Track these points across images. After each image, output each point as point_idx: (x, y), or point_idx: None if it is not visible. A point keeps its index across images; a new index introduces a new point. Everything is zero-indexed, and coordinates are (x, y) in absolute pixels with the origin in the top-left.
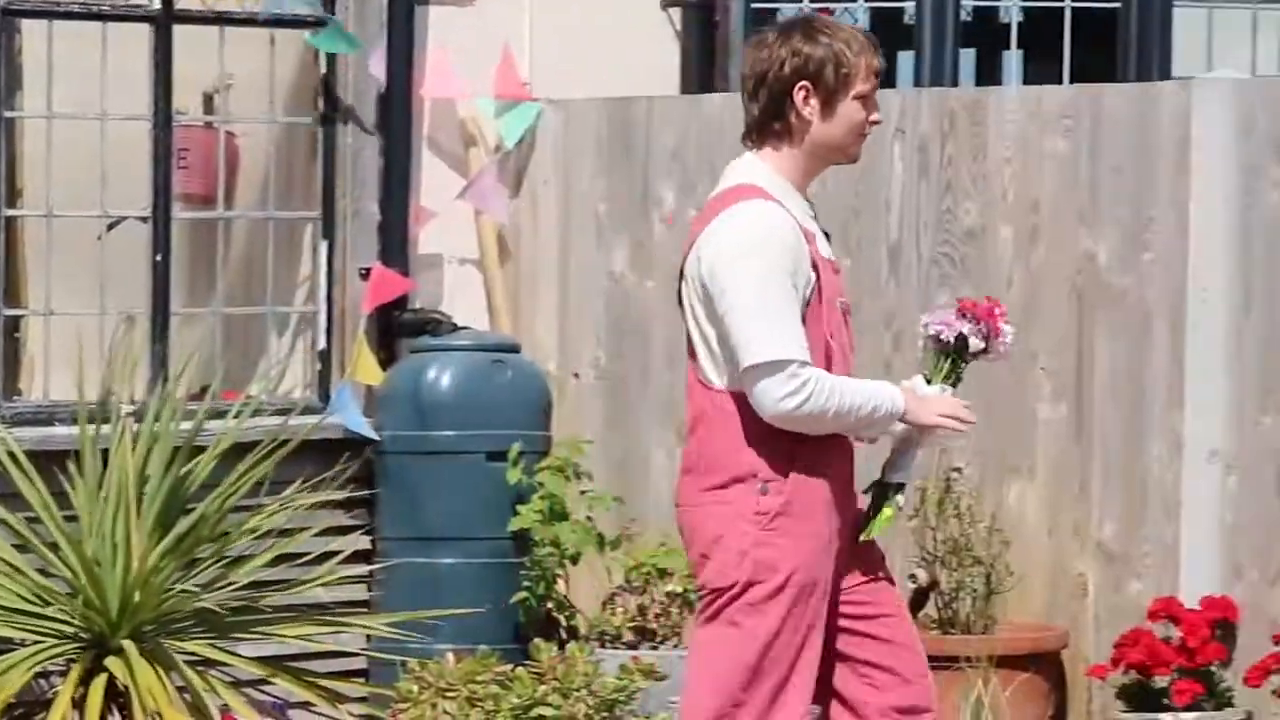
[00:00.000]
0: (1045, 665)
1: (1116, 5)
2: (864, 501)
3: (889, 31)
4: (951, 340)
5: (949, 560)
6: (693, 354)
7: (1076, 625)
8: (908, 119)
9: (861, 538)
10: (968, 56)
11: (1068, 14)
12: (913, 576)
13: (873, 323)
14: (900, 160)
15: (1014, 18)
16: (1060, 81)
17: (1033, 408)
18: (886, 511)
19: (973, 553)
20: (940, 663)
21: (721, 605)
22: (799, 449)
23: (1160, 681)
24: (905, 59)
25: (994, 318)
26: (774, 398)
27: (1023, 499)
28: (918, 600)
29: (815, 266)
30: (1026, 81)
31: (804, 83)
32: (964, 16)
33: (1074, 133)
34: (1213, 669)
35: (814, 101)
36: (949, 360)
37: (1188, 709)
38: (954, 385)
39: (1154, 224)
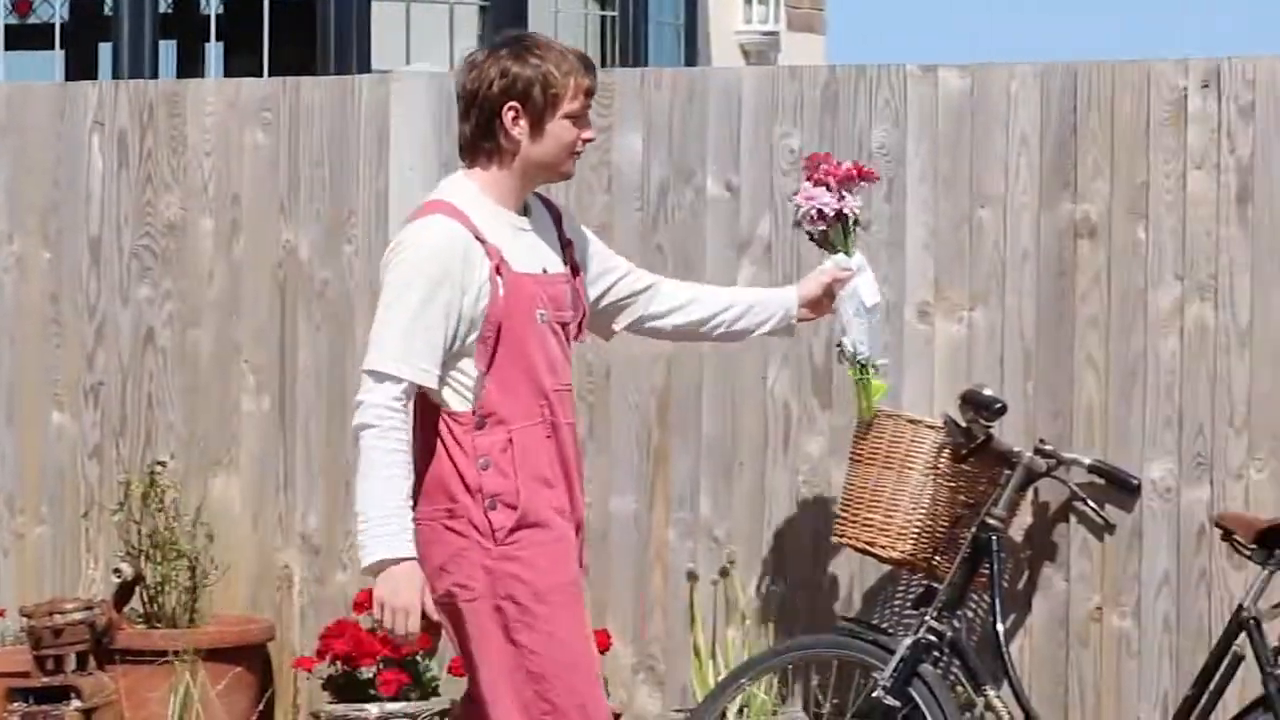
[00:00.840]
0: (253, 658)
1: None
2: None
3: (88, 25)
4: (835, 212)
5: (153, 554)
6: None
7: (284, 617)
8: (105, 111)
9: None
10: (169, 48)
11: (266, 6)
12: (117, 570)
13: (77, 317)
14: (100, 153)
15: (214, 10)
16: (261, 74)
17: (236, 399)
18: None
19: (177, 546)
20: (147, 657)
21: None
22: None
23: (366, 672)
24: (105, 50)
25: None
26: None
27: (227, 491)
28: (123, 594)
29: (499, 277)
30: (228, 73)
31: (513, 103)
32: (164, 8)
33: (273, 125)
34: (418, 659)
35: (523, 122)
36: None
37: (394, 699)
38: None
39: (354, 217)
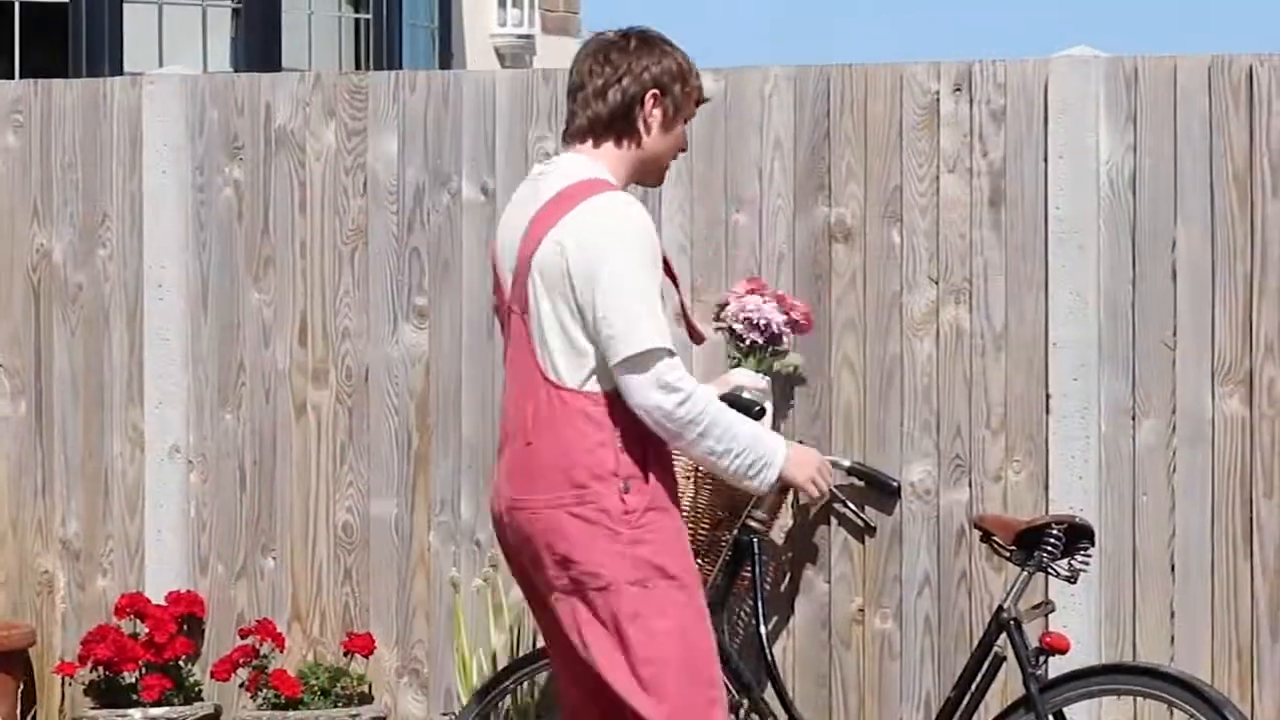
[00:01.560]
0: (14, 664)
1: (65, 1)
2: None
3: None
4: (775, 335)
5: None
6: (532, 353)
7: (46, 623)
8: None
9: None
10: None
11: (17, 8)
12: None
13: None
14: None
15: None
16: (12, 76)
17: None
18: None
19: None
20: None
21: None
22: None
23: (129, 677)
24: None
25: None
26: (657, 391)
27: None
28: None
29: (666, 264)
30: None
31: (657, 91)
32: None
33: (25, 128)
34: (181, 663)
35: (657, 113)
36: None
37: (156, 704)
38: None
39: (108, 220)
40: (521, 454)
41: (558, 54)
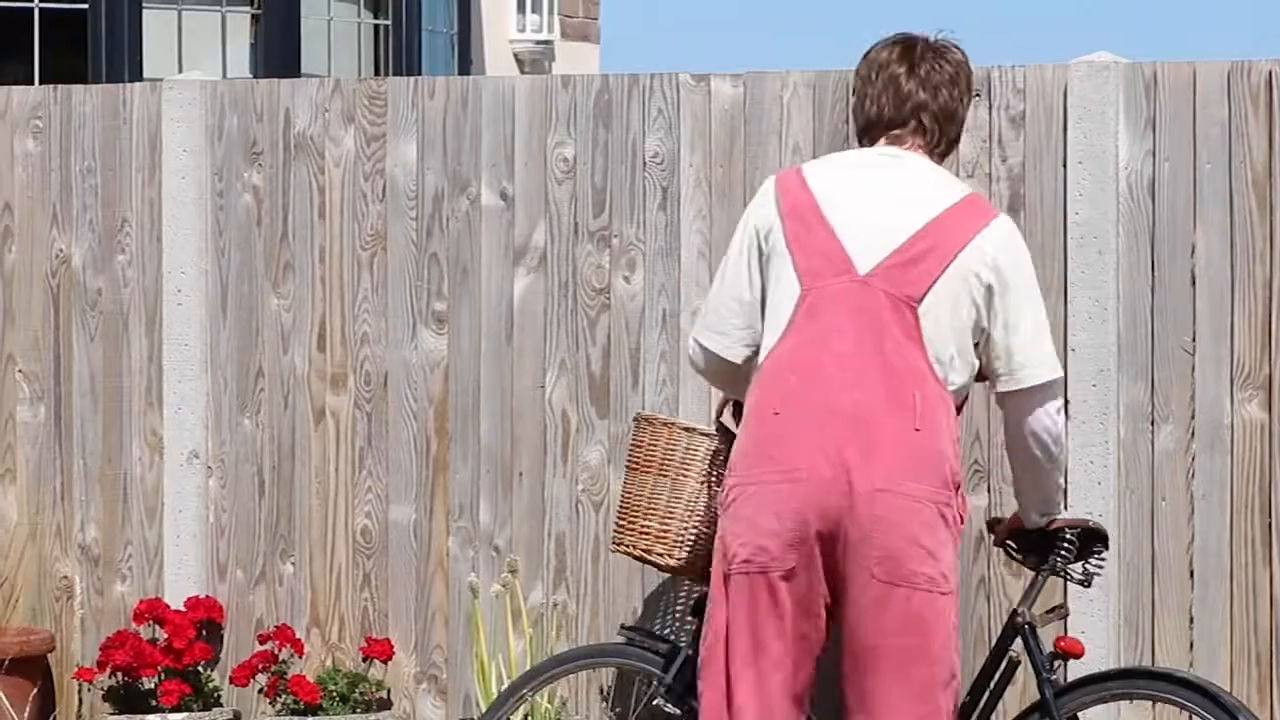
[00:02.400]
0: (33, 669)
1: (84, 7)
2: None
3: None
4: None
5: None
6: (921, 344)
7: (64, 629)
8: None
9: None
10: None
11: (37, 14)
12: None
13: None
14: None
15: None
16: (32, 81)
17: (12, 409)
18: None
19: None
20: None
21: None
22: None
23: (148, 683)
24: None
25: None
26: (1059, 416)
27: (3, 502)
28: None
29: None
30: None
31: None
32: None
33: (45, 133)
34: (199, 669)
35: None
36: None
37: (175, 710)
38: None
39: (128, 226)
40: (910, 440)
41: (577, 60)
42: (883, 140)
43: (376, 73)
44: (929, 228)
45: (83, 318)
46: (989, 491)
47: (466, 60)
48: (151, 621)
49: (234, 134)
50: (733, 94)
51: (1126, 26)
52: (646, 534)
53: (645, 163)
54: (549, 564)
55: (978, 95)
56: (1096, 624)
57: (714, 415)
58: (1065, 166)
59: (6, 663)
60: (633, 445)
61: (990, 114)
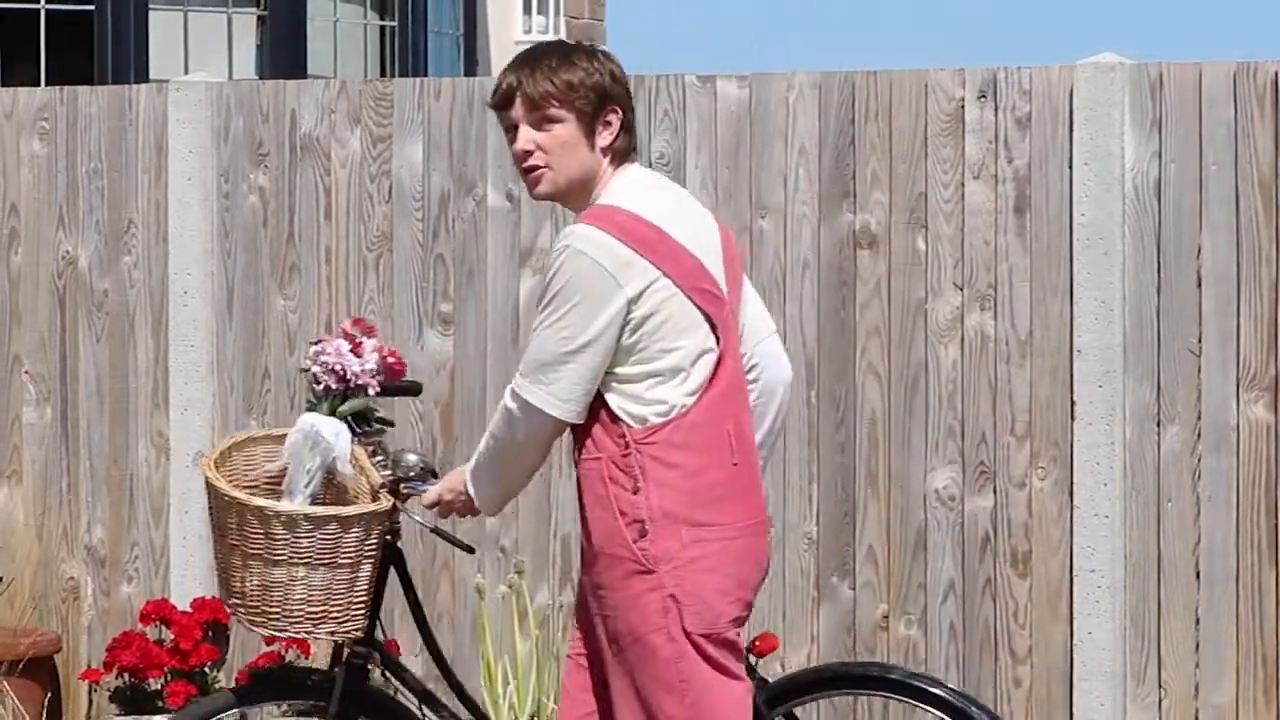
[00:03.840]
0: (40, 670)
1: (90, 8)
2: None
3: None
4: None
5: None
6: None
7: (71, 630)
8: None
9: None
10: None
11: (43, 17)
12: None
13: None
14: None
15: None
16: (38, 83)
17: (18, 411)
18: None
19: None
20: None
21: None
22: None
23: (155, 684)
24: None
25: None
26: None
27: (10, 503)
28: None
29: None
30: (4, 83)
31: None
32: None
33: (51, 135)
34: (206, 670)
35: None
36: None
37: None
38: None
39: (134, 227)
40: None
41: None
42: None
43: (382, 74)
44: (727, 247)
45: (89, 319)
46: (995, 492)
47: (472, 61)
48: (158, 622)
49: (240, 135)
50: (738, 95)
51: (1132, 28)
52: (314, 618)
53: (651, 164)
54: (555, 565)
55: (983, 97)
56: (1103, 625)
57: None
58: (1071, 168)
59: (14, 664)
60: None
61: (996, 115)
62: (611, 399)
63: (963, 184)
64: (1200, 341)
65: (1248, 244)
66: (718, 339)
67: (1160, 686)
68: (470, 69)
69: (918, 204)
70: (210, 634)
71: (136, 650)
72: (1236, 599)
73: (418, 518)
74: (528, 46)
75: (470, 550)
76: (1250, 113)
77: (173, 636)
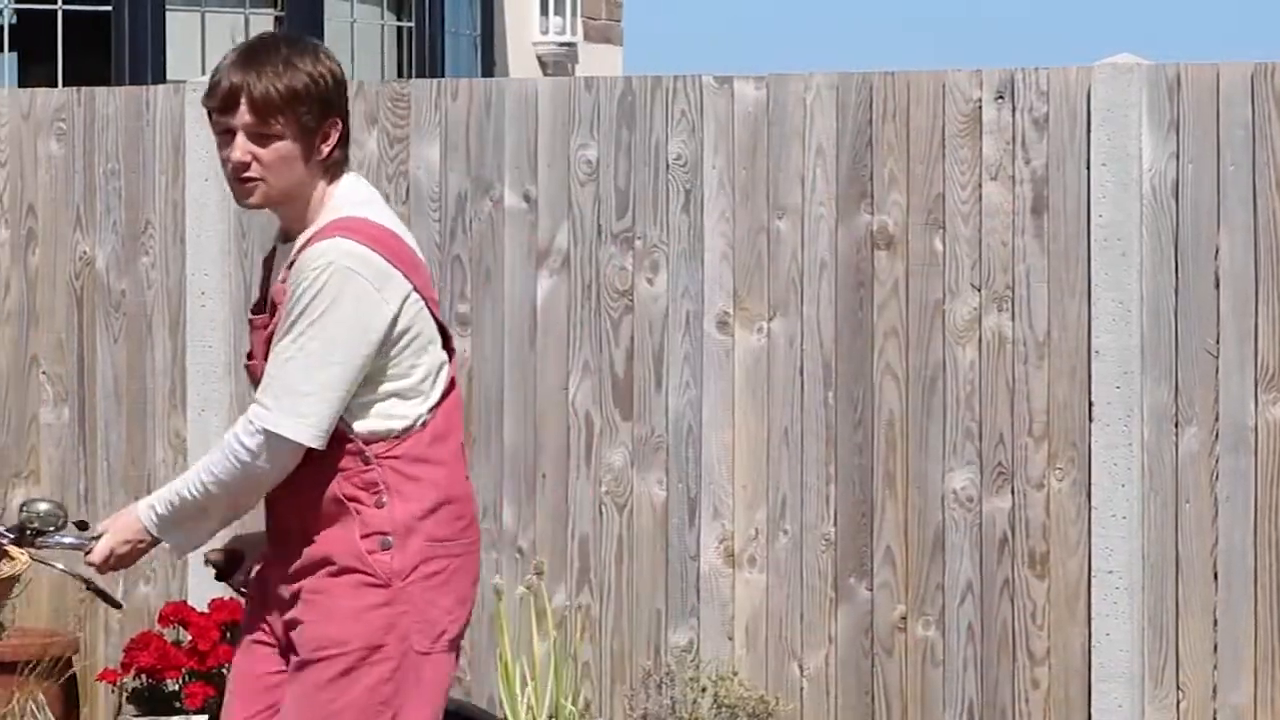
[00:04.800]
0: (58, 671)
1: (108, 9)
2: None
3: None
4: None
5: None
6: None
7: (89, 631)
8: None
9: None
10: None
11: (60, 17)
12: None
13: None
14: None
15: (6, 20)
16: (55, 83)
17: (35, 411)
18: None
19: None
20: None
21: None
22: None
23: (172, 685)
24: None
25: None
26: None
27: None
28: None
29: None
30: (22, 84)
31: None
32: None
33: (68, 135)
34: (224, 670)
35: None
36: None
37: (199, 711)
38: None
39: (151, 228)
40: None
41: (601, 62)
42: None
43: (399, 75)
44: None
45: (106, 320)
46: (1013, 493)
47: (489, 62)
48: (176, 624)
49: None
50: (756, 96)
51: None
52: None
53: (668, 165)
54: (572, 566)
55: (1001, 98)
56: (1121, 626)
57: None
58: (1089, 169)
59: (33, 665)
60: None
61: (1014, 116)
62: (351, 416)
63: (980, 185)
64: (1218, 342)
65: (1266, 244)
66: (447, 350)
67: (1178, 687)
68: (488, 70)
69: (935, 205)
70: (228, 635)
71: (154, 651)
72: (1255, 599)
73: (61, 567)
74: (245, 41)
75: (118, 606)
76: (1268, 113)
77: (190, 638)
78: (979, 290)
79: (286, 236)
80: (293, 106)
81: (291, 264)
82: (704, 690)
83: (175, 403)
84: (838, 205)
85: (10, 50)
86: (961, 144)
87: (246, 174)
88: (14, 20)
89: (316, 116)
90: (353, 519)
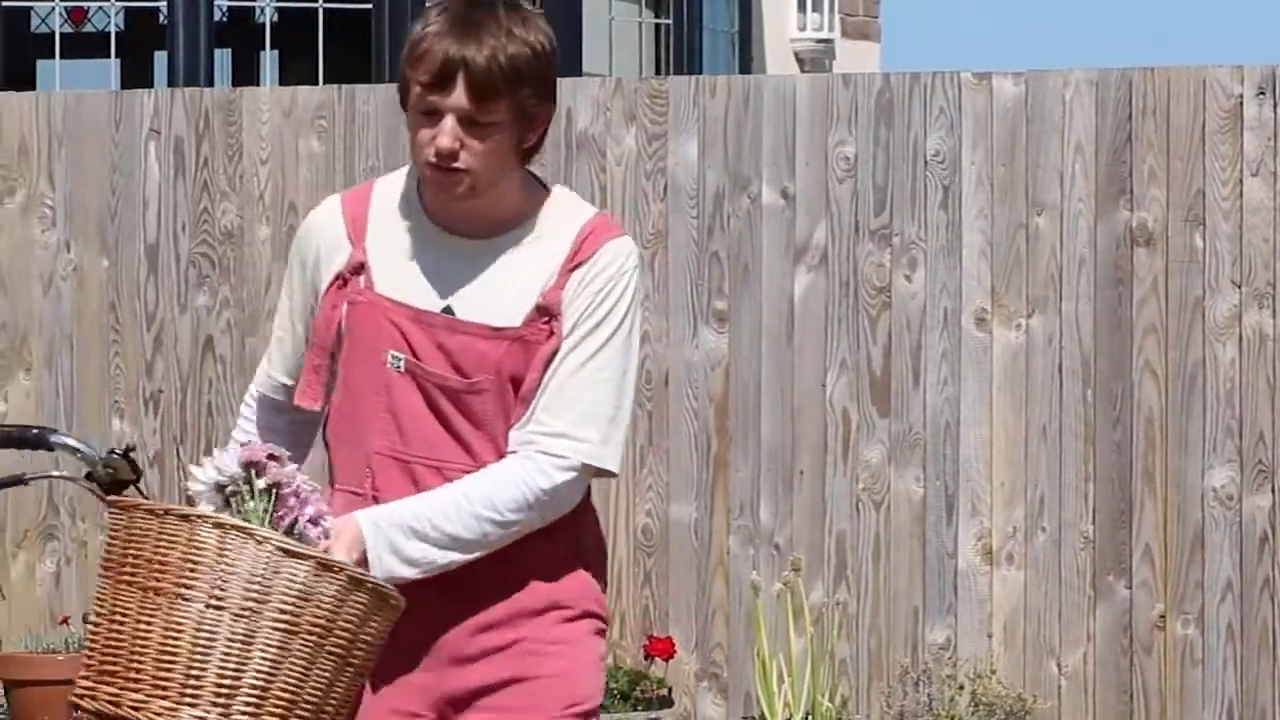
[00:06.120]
0: None
1: (368, 6)
2: None
3: (143, 32)
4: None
5: None
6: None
7: None
8: (161, 119)
9: None
10: (224, 56)
11: (321, 15)
12: None
13: (133, 323)
14: (156, 160)
15: (268, 18)
16: (316, 81)
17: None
18: None
19: None
20: None
21: None
22: None
23: None
24: (160, 59)
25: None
26: None
27: None
28: None
29: (342, 289)
30: (283, 81)
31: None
32: (218, 16)
33: (329, 133)
34: None
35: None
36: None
37: None
38: None
39: None
40: None
41: (858, 58)
42: None
43: (657, 72)
44: None
45: None
46: (1273, 491)
47: (747, 59)
48: None
49: None
50: (1014, 92)
51: None
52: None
53: (926, 161)
54: (829, 563)
55: (1262, 94)
56: None
57: None
58: None
59: None
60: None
61: (1275, 112)
62: None
63: (1241, 181)
64: None
65: None
66: None
67: None
68: (745, 67)
69: (1195, 201)
70: None
71: None
72: None
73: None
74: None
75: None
76: None
77: None
78: (1239, 287)
79: (464, 232)
80: (515, 89)
81: (576, 266)
82: (961, 688)
83: None
84: (1097, 202)
85: (272, 48)
86: (1222, 140)
87: (454, 165)
88: (275, 18)
89: (537, 99)
90: (578, 560)
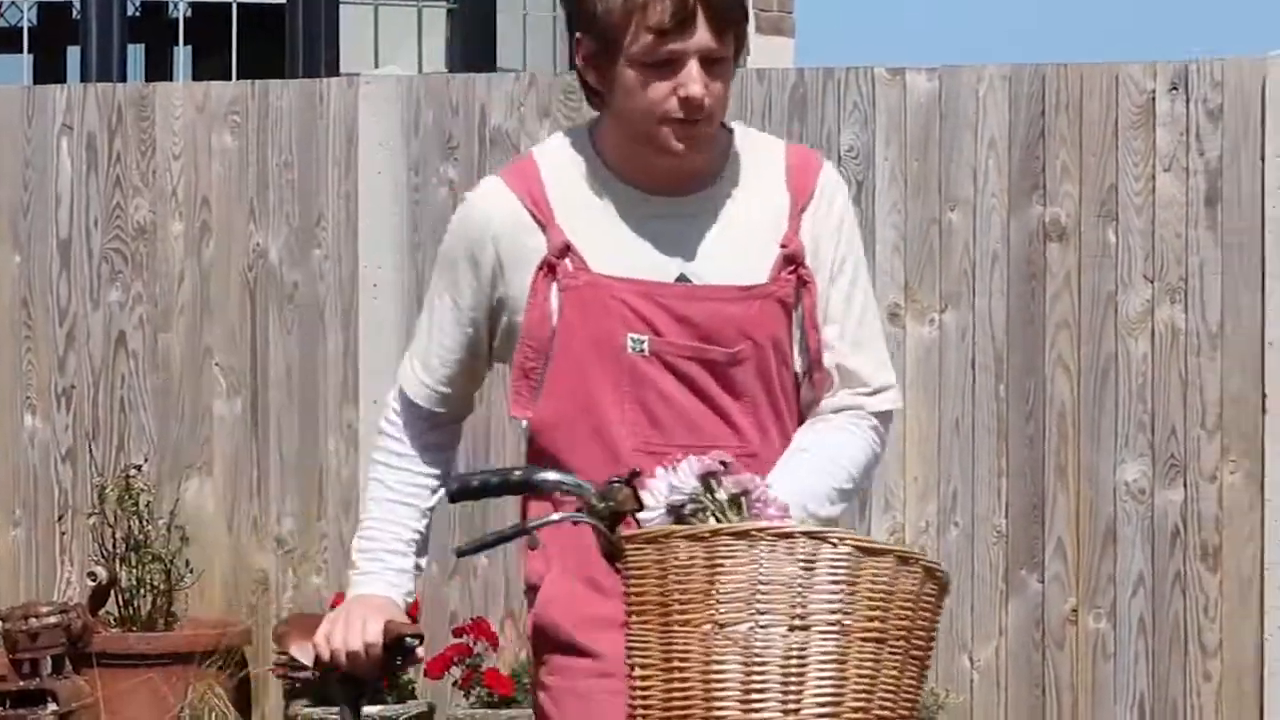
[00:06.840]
0: (231, 661)
1: (282, 1)
2: None
3: (56, 28)
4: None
5: (128, 558)
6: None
7: (261, 621)
8: (74, 114)
9: None
10: (137, 52)
11: (235, 9)
12: (92, 574)
13: (45, 319)
14: (69, 156)
15: (182, 13)
16: (229, 76)
17: (209, 403)
18: None
19: (152, 549)
20: (124, 661)
21: None
22: None
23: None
24: (73, 54)
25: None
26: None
27: (200, 495)
28: (97, 598)
29: (553, 277)
30: (196, 77)
31: (578, 33)
32: (132, 11)
33: (242, 128)
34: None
35: (591, 60)
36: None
37: (370, 702)
38: None
39: (324, 220)
40: None
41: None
42: None
43: (571, 67)
44: None
45: (279, 312)
46: (1185, 486)
47: None
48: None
49: (429, 129)
50: (928, 88)
51: None
52: None
53: (840, 156)
54: None
55: (1175, 89)
56: None
57: None
58: (1263, 160)
59: (208, 655)
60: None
61: (1187, 107)
62: None
63: (1154, 176)
64: None
65: None
66: None
67: None
68: None
69: (1108, 196)
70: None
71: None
72: None
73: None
74: None
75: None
76: None
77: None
78: (1152, 282)
79: (669, 191)
80: (741, 18)
81: (804, 208)
82: None
83: (348, 394)
84: (1010, 197)
85: (185, 44)
86: (1135, 135)
87: (699, 117)
88: (189, 13)
89: (744, 30)
90: None
